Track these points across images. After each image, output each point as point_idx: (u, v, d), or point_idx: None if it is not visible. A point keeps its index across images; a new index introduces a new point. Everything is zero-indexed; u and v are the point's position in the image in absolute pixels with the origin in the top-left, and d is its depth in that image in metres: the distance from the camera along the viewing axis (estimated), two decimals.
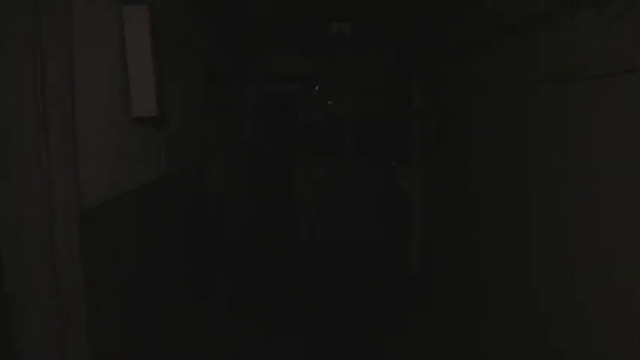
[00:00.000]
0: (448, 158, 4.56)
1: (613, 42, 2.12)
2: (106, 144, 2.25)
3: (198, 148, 4.40)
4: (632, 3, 1.95)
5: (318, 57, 7.30)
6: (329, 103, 7.52)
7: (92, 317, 1.94)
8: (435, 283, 5.01)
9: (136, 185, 2.65)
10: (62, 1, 1.79)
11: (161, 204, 3.16)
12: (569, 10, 2.39)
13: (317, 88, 7.41)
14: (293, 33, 5.99)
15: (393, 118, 7.14)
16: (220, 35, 5.37)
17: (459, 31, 4.07)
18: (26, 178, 1.77)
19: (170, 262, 3.34)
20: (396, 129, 6.97)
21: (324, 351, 4.26)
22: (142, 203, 2.77)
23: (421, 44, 5.40)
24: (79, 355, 1.90)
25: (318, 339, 4.44)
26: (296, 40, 6.43)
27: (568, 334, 2.46)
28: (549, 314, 2.64)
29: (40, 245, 1.80)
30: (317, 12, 4.95)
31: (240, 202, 7.11)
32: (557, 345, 2.56)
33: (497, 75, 3.42)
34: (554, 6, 2.49)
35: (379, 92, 7.44)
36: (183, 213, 3.74)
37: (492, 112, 3.49)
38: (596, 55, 2.23)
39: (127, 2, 2.37)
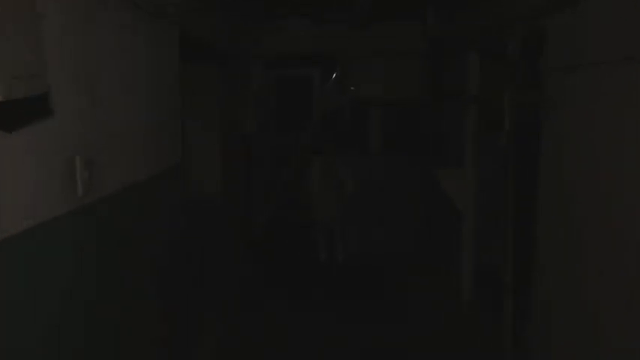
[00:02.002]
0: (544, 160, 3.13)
1: None
2: None
3: (174, 145, 3.04)
4: None
5: (338, 30, 5.89)
6: (352, 88, 6.11)
7: None
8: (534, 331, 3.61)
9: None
10: None
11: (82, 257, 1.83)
12: None
13: (337, 70, 6.00)
14: None
15: (434, 105, 5.70)
16: None
17: None
18: None
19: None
20: (441, 119, 5.54)
21: None
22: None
23: (481, 7, 3.96)
24: None
25: None
26: (310, 6, 5.04)
27: None
28: None
29: None
30: None
31: (240, 208, 5.76)
32: None
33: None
34: None
35: (417, 72, 6.00)
36: (139, 259, 2.40)
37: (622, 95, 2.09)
38: None
39: None
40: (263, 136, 6.75)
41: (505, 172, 3.36)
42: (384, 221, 6.15)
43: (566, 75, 2.63)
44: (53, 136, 1.70)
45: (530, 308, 3.10)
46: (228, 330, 4.32)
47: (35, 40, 1.34)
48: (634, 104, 2.09)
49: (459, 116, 5.18)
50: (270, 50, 6.02)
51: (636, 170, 2.07)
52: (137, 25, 2.49)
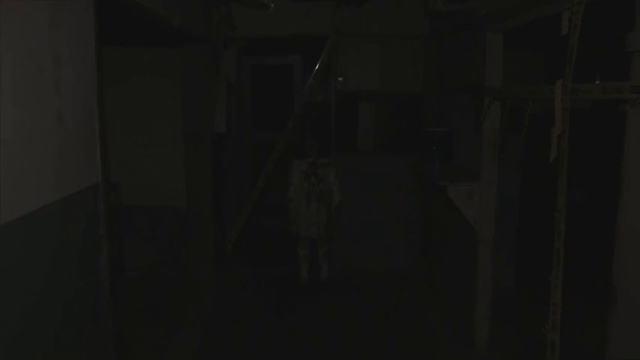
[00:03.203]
0: None
1: None
2: None
3: (82, 161, 2.10)
4: None
5: (325, 9, 4.99)
6: (340, 79, 5.20)
7: None
8: None
9: None
10: None
11: None
12: None
13: (323, 58, 5.06)
14: None
15: (439, 100, 4.83)
16: None
17: None
18: None
19: None
20: (447, 117, 4.67)
21: None
22: None
23: None
24: None
25: None
26: None
27: None
28: None
29: None
30: None
31: (208, 222, 4.83)
32: None
33: None
34: None
35: (418, 61, 5.10)
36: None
37: None
38: None
39: None
40: (236, 135, 5.81)
41: (562, 181, 2.46)
42: (375, 235, 5.27)
43: None
44: None
45: None
46: None
47: None
48: None
49: (471, 114, 4.33)
50: (243, 33, 5.07)
51: None
52: None
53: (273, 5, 4.96)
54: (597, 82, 2.27)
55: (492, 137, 3.46)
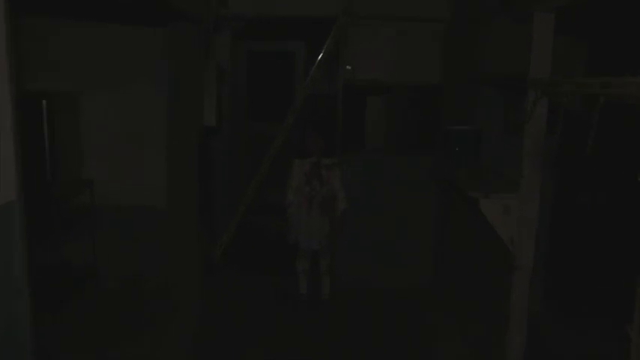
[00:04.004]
0: None
1: None
2: None
3: (11, 166, 1.47)
4: None
5: None
6: (348, 68, 4.56)
7: None
8: None
9: None
10: None
11: None
12: None
13: (329, 44, 4.40)
14: None
15: (464, 94, 4.21)
16: None
17: None
18: None
19: None
20: (472, 113, 4.04)
21: None
22: None
23: None
24: None
25: None
26: None
27: None
28: None
29: None
30: None
31: (193, 225, 4.21)
32: None
33: None
34: None
35: (438, 47, 4.46)
36: None
37: None
38: None
39: None
40: (229, 128, 5.18)
41: None
42: (383, 247, 4.66)
43: None
44: None
45: None
46: None
47: None
48: None
49: (499, 110, 3.71)
50: (238, 11, 4.42)
51: None
52: None
53: None
54: None
55: (537, 141, 2.83)
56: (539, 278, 3.98)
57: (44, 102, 3.87)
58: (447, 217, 4.38)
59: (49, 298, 3.95)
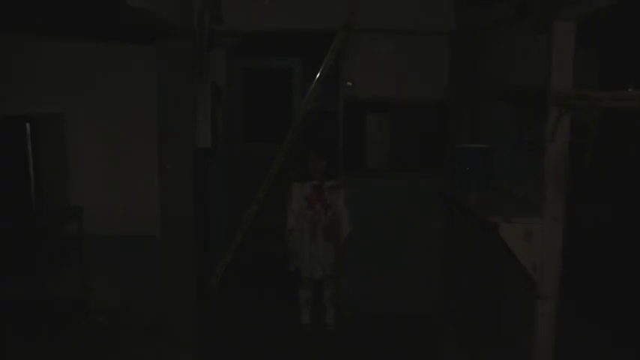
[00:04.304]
0: None
1: None
2: None
3: None
4: None
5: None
6: (349, 84, 4.35)
7: None
8: None
9: None
10: None
11: None
12: None
13: (327, 59, 4.19)
14: None
15: (473, 109, 3.98)
16: None
17: None
18: None
19: None
20: (480, 131, 3.82)
21: None
22: None
23: None
24: None
25: None
26: None
27: None
28: None
29: None
30: None
31: (189, 253, 3.95)
32: None
33: None
34: None
35: (443, 61, 4.26)
36: None
37: None
38: None
39: None
40: (224, 149, 4.94)
41: None
42: (388, 272, 4.41)
43: None
44: None
45: None
46: None
47: None
48: None
49: (510, 127, 3.49)
50: (233, 26, 4.22)
51: None
52: None
53: None
54: None
55: (560, 160, 2.60)
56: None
57: (27, 125, 3.63)
58: (456, 241, 4.13)
59: (34, 334, 3.69)
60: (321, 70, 4.25)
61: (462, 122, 4.09)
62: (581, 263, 3.78)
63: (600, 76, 3.89)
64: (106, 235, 4.18)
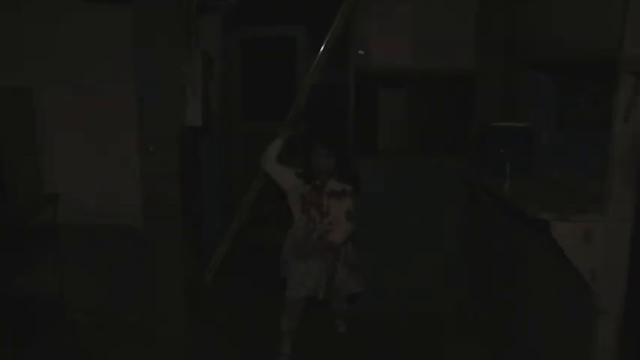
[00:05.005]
0: None
1: None
2: None
3: None
4: None
5: None
6: (360, 52, 3.78)
7: None
8: None
9: None
10: None
11: None
12: None
13: (335, 27, 3.61)
14: None
15: (507, 78, 3.42)
16: None
17: None
18: None
19: None
20: (514, 107, 3.26)
21: None
22: None
23: None
24: None
25: None
26: None
27: None
28: None
29: None
30: None
31: (177, 246, 3.45)
32: None
33: None
34: None
35: (471, 26, 3.68)
36: None
37: None
38: None
39: None
40: (219, 128, 4.41)
41: None
42: (404, 269, 3.90)
43: None
44: None
45: None
46: None
47: None
48: None
49: (547, 102, 2.95)
50: None
51: None
52: None
53: None
54: None
55: (632, 145, 2.06)
56: None
57: None
58: (482, 235, 3.61)
59: (7, 336, 3.34)
60: (327, 37, 3.68)
61: (493, 97, 3.54)
62: None
63: None
64: (85, 225, 3.70)
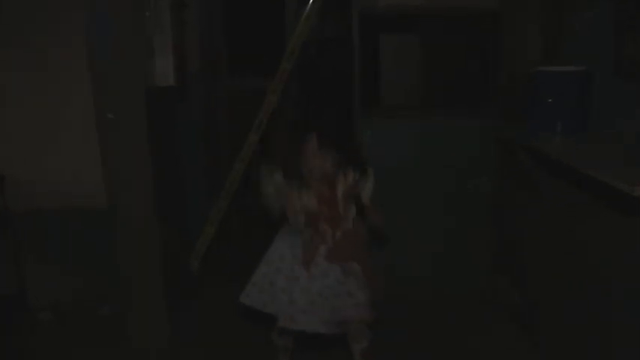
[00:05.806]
0: None
1: None
2: None
3: None
4: None
5: None
6: None
7: None
8: None
9: None
10: None
11: None
12: None
13: None
14: None
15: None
16: None
17: None
18: None
19: None
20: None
21: None
22: None
23: None
24: None
25: None
26: None
27: None
28: None
29: None
30: None
31: (152, 228, 2.87)
32: None
33: None
34: None
35: None
36: None
37: None
38: None
39: None
40: (199, 86, 3.76)
41: None
42: (424, 242, 3.34)
43: None
44: None
45: None
46: None
47: None
48: None
49: (606, 39, 2.33)
50: None
51: None
52: None
53: None
54: None
55: None
56: None
57: None
58: (519, 201, 3.02)
59: None
60: None
61: (528, 38, 2.89)
62: None
63: None
64: (40, 210, 3.11)
